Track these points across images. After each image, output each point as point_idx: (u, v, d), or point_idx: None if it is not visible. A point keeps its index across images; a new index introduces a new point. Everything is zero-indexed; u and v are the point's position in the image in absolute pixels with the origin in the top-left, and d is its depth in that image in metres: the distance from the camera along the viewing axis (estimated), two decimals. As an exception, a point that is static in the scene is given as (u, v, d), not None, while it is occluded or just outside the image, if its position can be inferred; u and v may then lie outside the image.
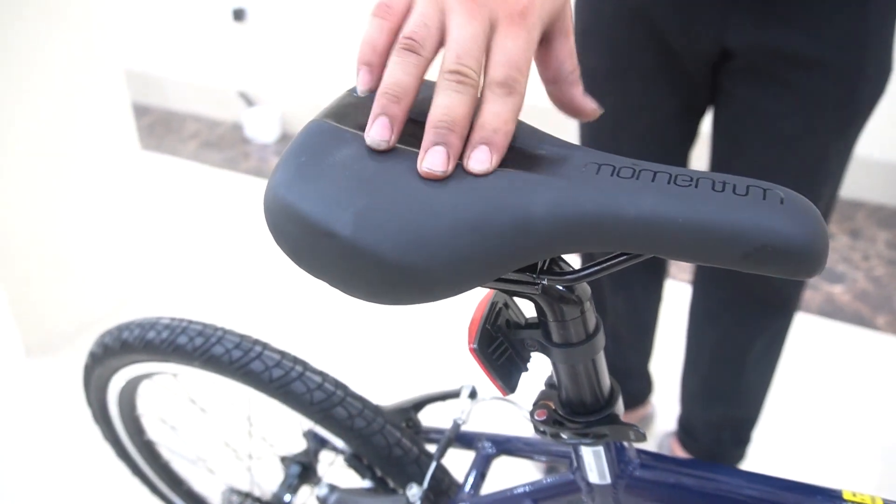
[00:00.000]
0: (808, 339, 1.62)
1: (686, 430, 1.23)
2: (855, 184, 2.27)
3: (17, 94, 1.44)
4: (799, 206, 0.32)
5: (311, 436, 0.78)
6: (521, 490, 0.56)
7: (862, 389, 1.49)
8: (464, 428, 0.66)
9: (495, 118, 0.35)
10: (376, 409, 0.65)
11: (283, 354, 0.65)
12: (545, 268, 0.39)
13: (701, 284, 1.11)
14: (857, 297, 1.80)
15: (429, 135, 0.35)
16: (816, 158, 0.88)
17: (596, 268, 0.37)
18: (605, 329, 0.44)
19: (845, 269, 1.92)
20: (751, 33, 0.80)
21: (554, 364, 0.46)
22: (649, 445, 1.35)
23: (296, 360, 0.65)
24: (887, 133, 2.15)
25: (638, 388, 1.30)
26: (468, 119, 0.36)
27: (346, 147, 0.37)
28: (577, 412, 0.47)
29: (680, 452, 1.26)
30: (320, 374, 0.65)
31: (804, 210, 0.32)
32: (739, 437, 1.18)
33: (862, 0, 0.76)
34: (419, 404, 0.69)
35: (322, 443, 0.79)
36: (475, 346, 0.42)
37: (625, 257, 0.36)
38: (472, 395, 0.65)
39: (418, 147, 0.36)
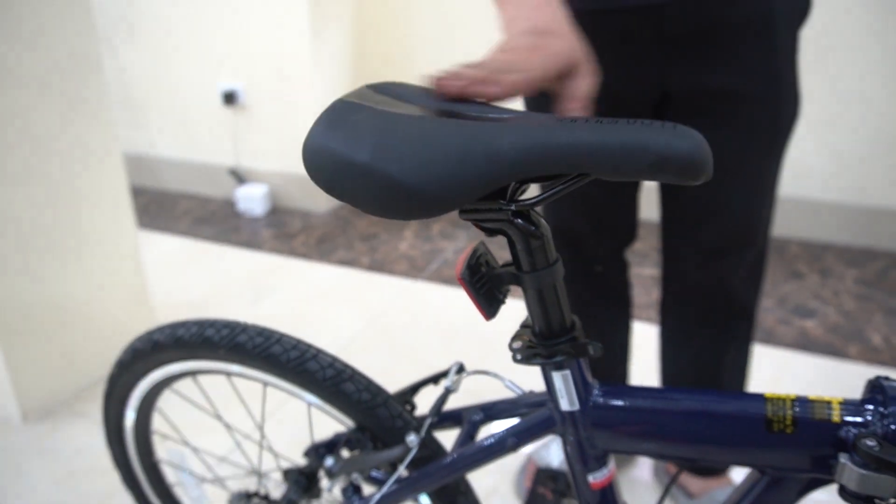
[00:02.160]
0: (785, 371, 1.74)
1: None
2: (823, 227, 2.45)
3: (20, 177, 1.57)
4: (686, 131, 0.45)
5: (313, 452, 0.89)
6: (504, 433, 0.67)
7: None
8: (452, 406, 0.77)
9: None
10: (379, 386, 0.77)
11: (298, 341, 0.77)
12: (513, 198, 0.53)
13: (668, 308, 1.23)
14: (829, 330, 1.93)
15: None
16: (753, 176, 1.03)
17: (549, 192, 0.51)
18: None
19: (817, 305, 2.06)
20: (685, 78, 0.97)
21: (526, 293, 0.58)
22: (642, 471, 1.44)
23: (309, 346, 0.77)
24: (851, 180, 2.35)
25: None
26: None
27: (364, 112, 0.53)
28: (546, 338, 0.60)
29: (673, 470, 1.35)
30: (331, 356, 0.77)
31: (690, 133, 0.45)
32: None
33: (771, 43, 0.94)
34: (415, 388, 0.80)
35: (323, 457, 0.89)
36: (462, 274, 0.56)
37: (571, 181, 0.50)
38: (460, 370, 0.76)
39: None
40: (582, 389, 0.62)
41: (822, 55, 2.25)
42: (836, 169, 2.37)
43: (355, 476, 0.74)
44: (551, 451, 1.39)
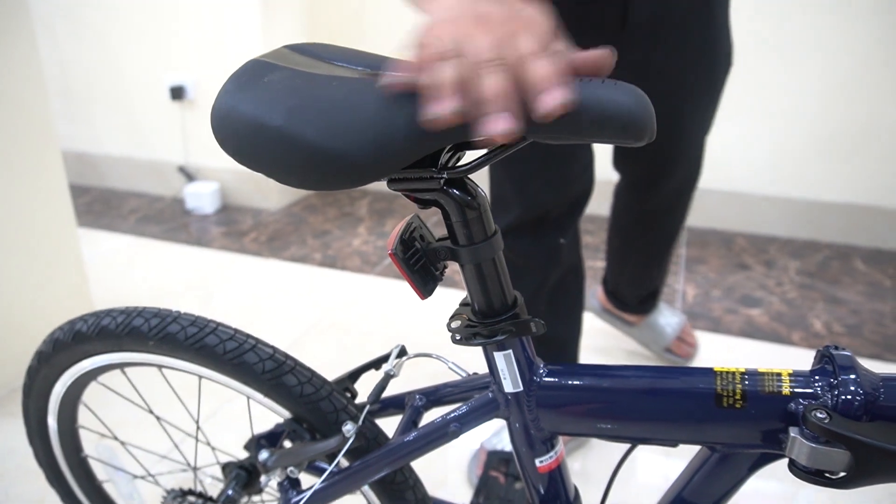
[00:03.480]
0: (732, 357, 1.75)
1: (614, 296, 1.66)
2: (768, 220, 2.48)
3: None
4: (629, 87, 0.42)
5: (253, 445, 0.83)
6: (446, 419, 0.63)
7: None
8: (393, 392, 0.73)
9: None
10: (323, 378, 0.72)
11: (235, 331, 0.71)
12: (445, 166, 0.48)
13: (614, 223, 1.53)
14: (773, 318, 1.95)
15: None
16: (683, 116, 1.21)
17: (483, 158, 0.47)
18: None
19: (762, 295, 2.07)
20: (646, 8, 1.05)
21: (463, 269, 0.54)
22: (590, 459, 1.41)
23: (248, 336, 0.71)
24: (794, 175, 2.38)
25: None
26: None
27: (279, 72, 0.47)
28: (486, 317, 0.55)
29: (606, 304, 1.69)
30: (271, 347, 0.71)
31: (633, 89, 0.42)
32: (654, 295, 1.63)
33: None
34: (355, 374, 0.75)
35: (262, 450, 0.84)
36: (393, 250, 0.51)
37: (507, 145, 0.46)
38: (401, 353, 0.72)
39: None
40: (526, 369, 0.58)
41: (764, 51, 2.27)
42: (779, 164, 2.40)
43: (292, 469, 0.69)
44: (503, 438, 1.36)
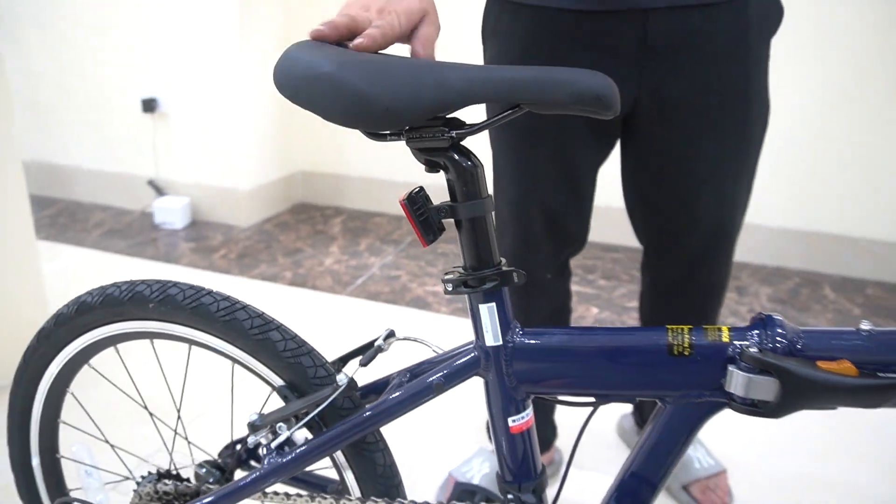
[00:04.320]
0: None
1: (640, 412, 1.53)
2: (739, 248, 2.63)
3: None
4: (600, 74, 0.58)
5: (229, 449, 0.92)
6: (431, 375, 0.73)
7: (758, 430, 1.73)
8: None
9: None
10: (303, 338, 0.82)
11: (228, 295, 0.81)
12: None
13: (651, 307, 1.34)
14: (744, 341, 2.08)
15: None
16: (726, 184, 1.12)
17: (487, 122, 0.62)
18: None
19: (734, 321, 2.21)
20: (660, 86, 1.03)
21: (459, 225, 0.67)
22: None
23: (238, 299, 0.82)
24: (765, 203, 2.55)
25: (542, 435, 1.46)
26: None
27: (325, 47, 0.64)
28: (475, 270, 0.68)
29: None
30: (260, 311, 0.82)
31: (603, 76, 0.58)
32: None
33: (745, 54, 1.03)
34: (343, 359, 0.85)
35: (240, 460, 0.91)
36: (405, 200, 0.65)
37: (509, 112, 0.61)
38: (389, 335, 0.82)
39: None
40: (505, 326, 0.69)
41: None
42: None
43: (280, 425, 0.78)
44: (472, 465, 1.44)
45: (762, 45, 1.06)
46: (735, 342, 0.62)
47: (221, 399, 1.74)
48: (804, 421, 1.70)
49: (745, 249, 2.63)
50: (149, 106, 2.89)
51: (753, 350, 0.59)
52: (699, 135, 1.06)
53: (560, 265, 1.27)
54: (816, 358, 0.58)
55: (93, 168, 3.20)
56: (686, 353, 0.64)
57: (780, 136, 2.47)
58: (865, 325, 0.60)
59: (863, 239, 2.50)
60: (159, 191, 3.02)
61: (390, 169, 3.12)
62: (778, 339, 0.60)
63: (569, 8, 0.99)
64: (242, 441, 0.91)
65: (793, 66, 2.39)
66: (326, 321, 2.19)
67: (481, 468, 1.43)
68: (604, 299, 2.35)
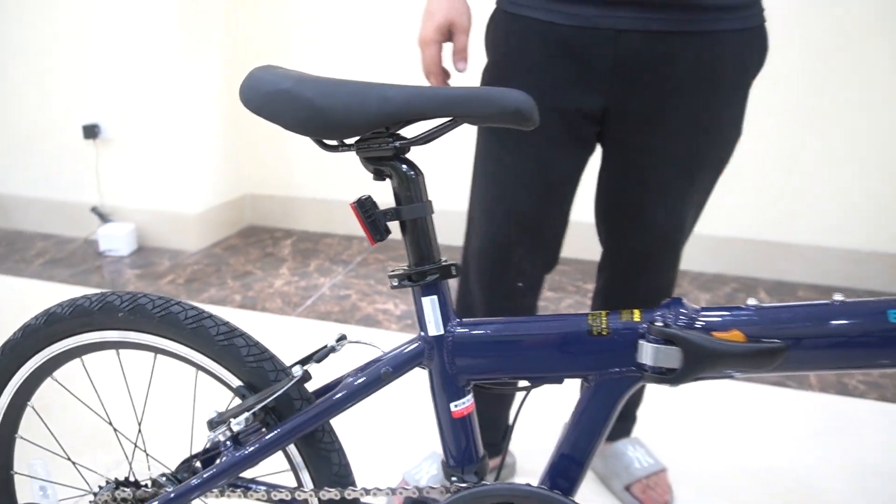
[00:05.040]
0: (647, 391, 1.99)
1: None
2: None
3: None
4: (520, 93, 0.69)
5: (186, 463, 0.98)
6: (378, 363, 0.82)
7: (698, 429, 1.85)
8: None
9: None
10: (263, 345, 0.90)
11: (194, 305, 0.89)
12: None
13: (603, 297, 1.42)
14: (684, 344, 2.22)
15: None
16: (677, 201, 1.20)
17: (427, 134, 0.72)
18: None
19: (674, 325, 2.35)
20: (627, 102, 1.09)
21: (404, 226, 0.77)
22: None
23: (204, 310, 0.89)
24: (707, 213, 2.71)
25: (496, 438, 1.51)
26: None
27: (286, 69, 0.75)
28: (418, 265, 0.78)
29: None
30: (224, 320, 0.89)
31: (522, 94, 0.69)
32: (628, 417, 1.56)
33: (714, 89, 1.09)
34: (301, 362, 0.92)
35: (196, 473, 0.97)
36: (355, 204, 0.75)
37: (445, 123, 0.71)
38: (341, 338, 0.91)
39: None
40: (445, 318, 0.79)
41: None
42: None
43: (238, 421, 0.85)
44: (422, 467, 1.52)
45: (737, 78, 1.11)
46: (645, 321, 0.73)
47: (186, 411, 1.79)
48: (741, 418, 1.83)
49: (687, 258, 2.78)
50: (90, 132, 2.92)
51: (659, 324, 0.70)
52: (654, 152, 1.15)
53: (533, 276, 1.31)
54: (712, 329, 0.70)
55: (33, 196, 3.20)
56: (604, 333, 0.74)
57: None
58: (752, 301, 0.71)
59: (795, 245, 2.68)
60: (103, 218, 3.04)
61: (340, 189, 3.21)
62: (681, 315, 0.71)
63: (555, 21, 1.07)
64: (200, 454, 0.97)
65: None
66: (276, 342, 2.25)
67: (430, 469, 1.51)
68: (551, 311, 2.47)
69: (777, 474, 1.60)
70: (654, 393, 1.94)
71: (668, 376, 0.71)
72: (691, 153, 1.15)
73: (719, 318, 0.71)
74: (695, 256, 2.78)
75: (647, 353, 0.71)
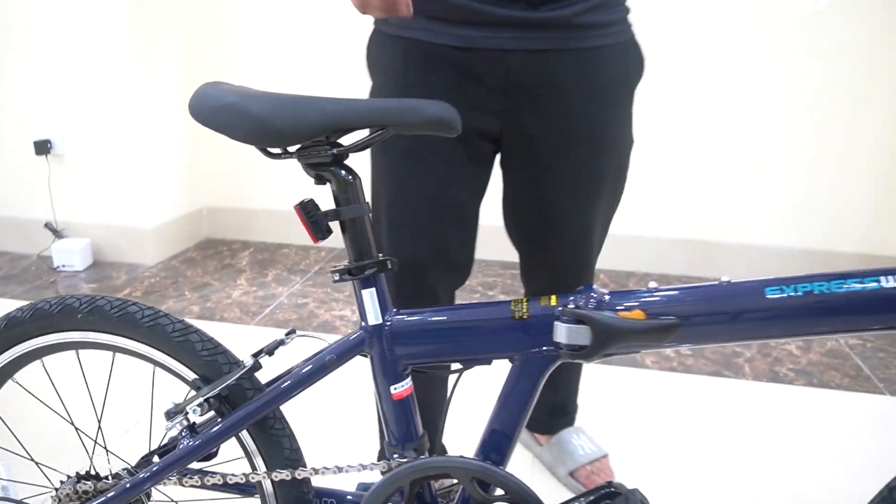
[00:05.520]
0: (592, 383, 2.09)
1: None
2: (626, 257, 2.91)
3: None
4: (444, 104, 0.78)
5: (145, 461, 1.03)
6: (323, 352, 0.90)
7: (640, 417, 1.96)
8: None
9: None
10: (217, 340, 0.97)
11: (150, 306, 0.96)
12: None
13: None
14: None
15: None
16: (581, 215, 1.25)
17: (363, 142, 0.81)
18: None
19: (621, 323, 2.46)
20: (520, 122, 1.14)
21: (343, 226, 0.85)
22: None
23: (160, 310, 0.96)
24: (650, 216, 2.85)
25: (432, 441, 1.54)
26: None
27: (231, 85, 0.82)
28: (358, 261, 0.86)
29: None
30: (179, 318, 0.96)
31: (446, 104, 0.79)
32: (568, 408, 1.64)
33: (600, 102, 1.15)
34: (253, 356, 1.01)
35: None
36: (298, 206, 0.83)
37: (378, 132, 0.80)
38: (290, 332, 0.98)
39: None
40: (383, 308, 0.87)
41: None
42: (634, 207, 2.86)
43: (194, 409, 0.92)
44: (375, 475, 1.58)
45: (621, 90, 1.19)
46: (560, 304, 0.82)
47: (147, 409, 1.83)
48: (679, 405, 1.94)
49: (633, 258, 2.91)
50: (42, 147, 2.94)
51: (571, 306, 0.79)
52: (555, 167, 1.19)
53: (445, 295, 1.32)
54: (617, 310, 0.79)
55: (-16, 213, 3.20)
56: (525, 317, 0.83)
57: (642, 153, 2.78)
58: (652, 285, 0.81)
59: (735, 244, 2.82)
60: (57, 233, 3.06)
61: (295, 200, 3.27)
62: (591, 299, 0.81)
63: (445, 43, 1.10)
64: (159, 449, 1.03)
65: (662, 91, 2.71)
66: (235, 350, 2.30)
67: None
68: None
69: (711, 457, 1.71)
70: (598, 382, 2.04)
71: (581, 352, 0.80)
72: (588, 165, 1.20)
73: (624, 300, 0.80)
74: (641, 257, 2.91)
75: (562, 332, 0.80)
